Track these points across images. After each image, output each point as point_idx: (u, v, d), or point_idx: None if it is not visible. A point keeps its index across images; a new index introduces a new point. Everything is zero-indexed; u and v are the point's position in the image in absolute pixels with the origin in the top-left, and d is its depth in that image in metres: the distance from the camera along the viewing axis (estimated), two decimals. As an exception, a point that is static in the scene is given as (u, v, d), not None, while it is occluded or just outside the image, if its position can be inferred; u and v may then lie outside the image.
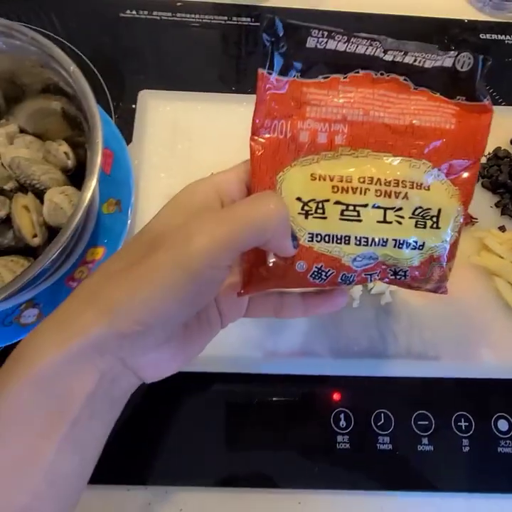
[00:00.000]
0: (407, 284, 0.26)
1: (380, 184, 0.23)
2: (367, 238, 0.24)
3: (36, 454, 0.20)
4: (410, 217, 0.24)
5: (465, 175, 0.25)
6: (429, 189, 0.24)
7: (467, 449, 0.37)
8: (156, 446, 0.36)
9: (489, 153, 0.44)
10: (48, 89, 0.37)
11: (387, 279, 0.26)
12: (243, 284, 0.24)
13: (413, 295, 0.40)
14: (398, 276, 0.25)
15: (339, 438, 0.36)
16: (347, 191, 0.23)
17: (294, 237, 0.23)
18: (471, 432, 0.37)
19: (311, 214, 0.23)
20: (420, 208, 0.24)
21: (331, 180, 0.23)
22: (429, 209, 0.24)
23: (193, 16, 0.51)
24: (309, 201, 0.23)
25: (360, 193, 0.23)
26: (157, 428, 0.36)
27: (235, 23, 0.51)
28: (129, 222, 0.38)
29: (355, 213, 0.23)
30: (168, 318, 0.21)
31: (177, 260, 0.19)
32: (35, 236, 0.35)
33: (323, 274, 0.24)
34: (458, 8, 0.54)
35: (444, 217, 0.24)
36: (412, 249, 0.24)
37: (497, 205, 0.43)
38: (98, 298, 0.20)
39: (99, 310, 0.20)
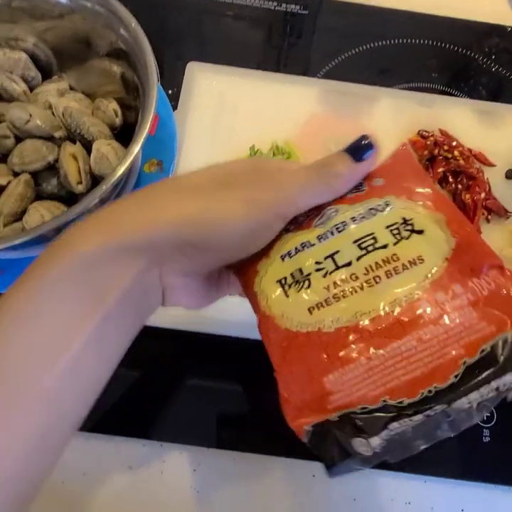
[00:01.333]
0: None
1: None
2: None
3: (65, 342, 0.19)
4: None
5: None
6: None
7: (487, 439, 0.36)
8: (174, 405, 0.36)
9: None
10: (111, 54, 0.38)
11: None
12: None
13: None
14: None
15: (358, 415, 0.36)
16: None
17: (364, 149, 0.23)
18: (492, 423, 0.36)
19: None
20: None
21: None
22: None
23: (244, -1, 0.52)
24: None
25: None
26: (176, 388, 0.37)
27: (284, 9, 0.52)
28: (168, 182, 0.39)
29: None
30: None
31: (277, 202, 0.21)
32: (79, 183, 0.35)
33: None
34: (503, 13, 0.55)
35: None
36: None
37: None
38: (157, 206, 0.20)
39: (155, 216, 0.20)
